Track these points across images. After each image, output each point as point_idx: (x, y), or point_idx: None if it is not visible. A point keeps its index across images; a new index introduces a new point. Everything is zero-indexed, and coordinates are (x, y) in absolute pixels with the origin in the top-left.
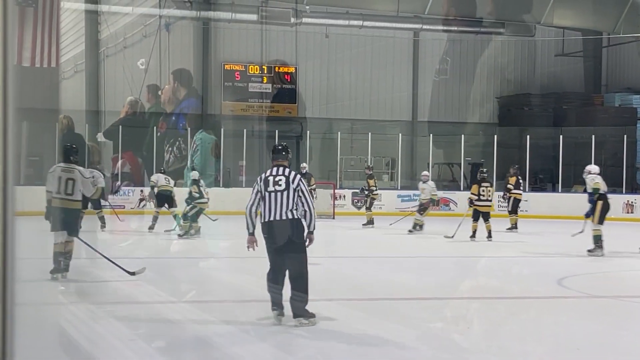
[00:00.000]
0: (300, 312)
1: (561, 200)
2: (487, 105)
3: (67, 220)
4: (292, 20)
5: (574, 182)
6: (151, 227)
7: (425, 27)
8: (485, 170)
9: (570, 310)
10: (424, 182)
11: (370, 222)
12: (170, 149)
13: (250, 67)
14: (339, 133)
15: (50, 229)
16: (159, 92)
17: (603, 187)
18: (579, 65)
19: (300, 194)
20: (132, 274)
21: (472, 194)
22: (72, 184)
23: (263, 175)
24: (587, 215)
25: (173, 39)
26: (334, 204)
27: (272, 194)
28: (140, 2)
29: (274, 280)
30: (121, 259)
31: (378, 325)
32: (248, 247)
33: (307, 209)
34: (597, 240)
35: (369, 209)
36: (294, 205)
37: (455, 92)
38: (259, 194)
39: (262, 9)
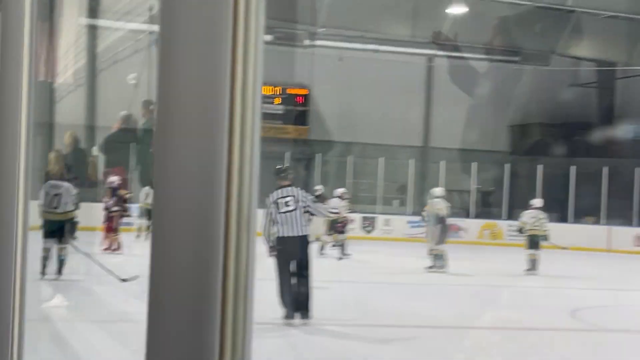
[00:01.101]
0: (304, 308)
1: (571, 231)
2: (500, 134)
3: (52, 229)
4: (306, 42)
5: (585, 213)
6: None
7: (439, 52)
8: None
9: (583, 344)
10: (344, 199)
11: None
12: None
13: (262, 87)
14: (351, 157)
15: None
16: (150, 107)
17: (444, 211)
18: (593, 96)
19: (308, 208)
20: (124, 280)
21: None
22: (58, 199)
23: (272, 198)
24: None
25: None
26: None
27: (285, 215)
28: (131, 17)
29: (287, 291)
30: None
31: (396, 353)
32: (270, 255)
33: (318, 215)
34: (437, 258)
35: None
36: (304, 221)
37: (469, 119)
38: (271, 216)
39: (277, 30)
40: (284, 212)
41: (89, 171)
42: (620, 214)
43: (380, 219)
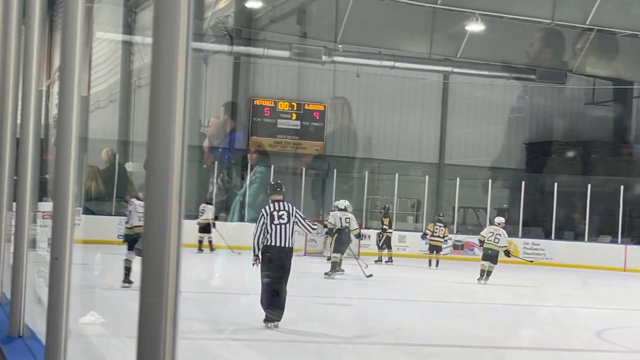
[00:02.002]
0: (280, 311)
1: (587, 250)
2: (515, 151)
3: (128, 242)
4: (324, 58)
5: (601, 231)
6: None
7: (455, 70)
8: (441, 213)
9: None
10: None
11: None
12: (215, 181)
13: (280, 103)
14: (366, 173)
15: None
16: (206, 124)
17: (344, 222)
18: (609, 115)
19: (297, 223)
20: None
21: (427, 229)
22: (129, 215)
23: (268, 210)
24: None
25: (210, 72)
26: (359, 244)
27: (278, 226)
28: None
29: (270, 296)
30: None
31: None
32: (253, 264)
33: (303, 229)
34: (334, 265)
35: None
36: (293, 234)
37: (484, 136)
38: (264, 226)
39: (295, 46)
40: (278, 224)
41: (129, 187)
42: (637, 233)
43: (395, 235)
